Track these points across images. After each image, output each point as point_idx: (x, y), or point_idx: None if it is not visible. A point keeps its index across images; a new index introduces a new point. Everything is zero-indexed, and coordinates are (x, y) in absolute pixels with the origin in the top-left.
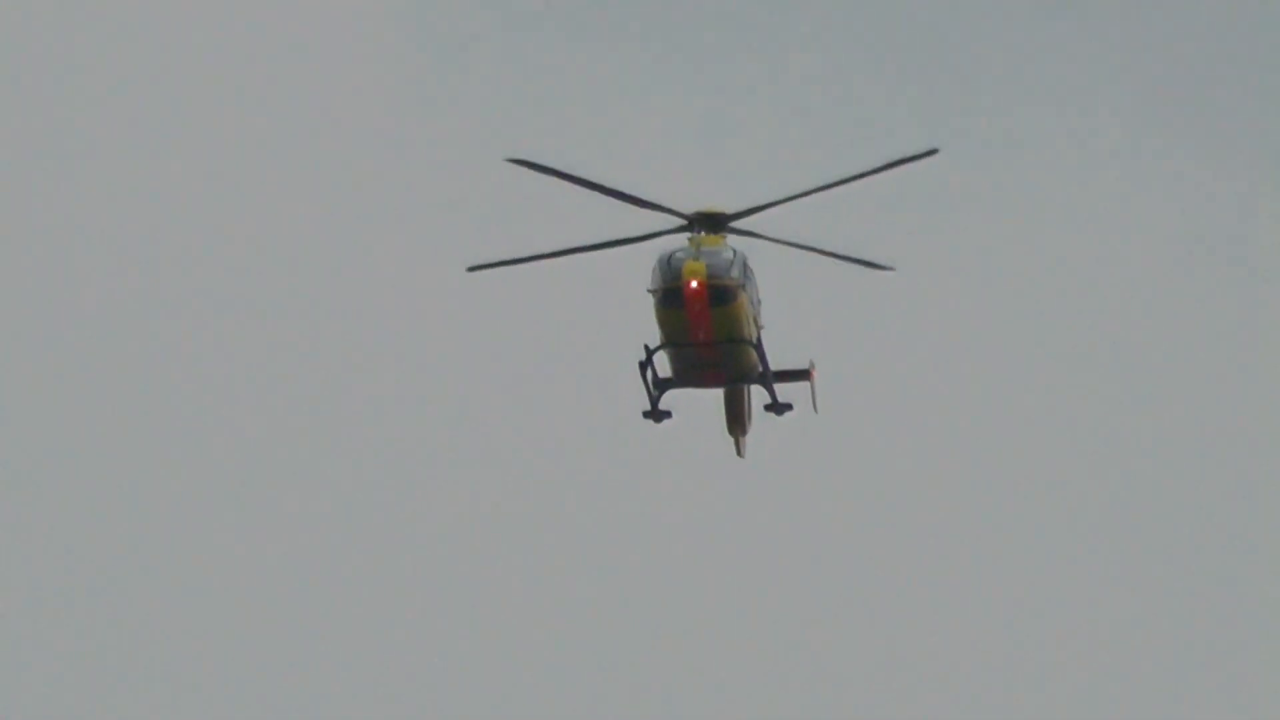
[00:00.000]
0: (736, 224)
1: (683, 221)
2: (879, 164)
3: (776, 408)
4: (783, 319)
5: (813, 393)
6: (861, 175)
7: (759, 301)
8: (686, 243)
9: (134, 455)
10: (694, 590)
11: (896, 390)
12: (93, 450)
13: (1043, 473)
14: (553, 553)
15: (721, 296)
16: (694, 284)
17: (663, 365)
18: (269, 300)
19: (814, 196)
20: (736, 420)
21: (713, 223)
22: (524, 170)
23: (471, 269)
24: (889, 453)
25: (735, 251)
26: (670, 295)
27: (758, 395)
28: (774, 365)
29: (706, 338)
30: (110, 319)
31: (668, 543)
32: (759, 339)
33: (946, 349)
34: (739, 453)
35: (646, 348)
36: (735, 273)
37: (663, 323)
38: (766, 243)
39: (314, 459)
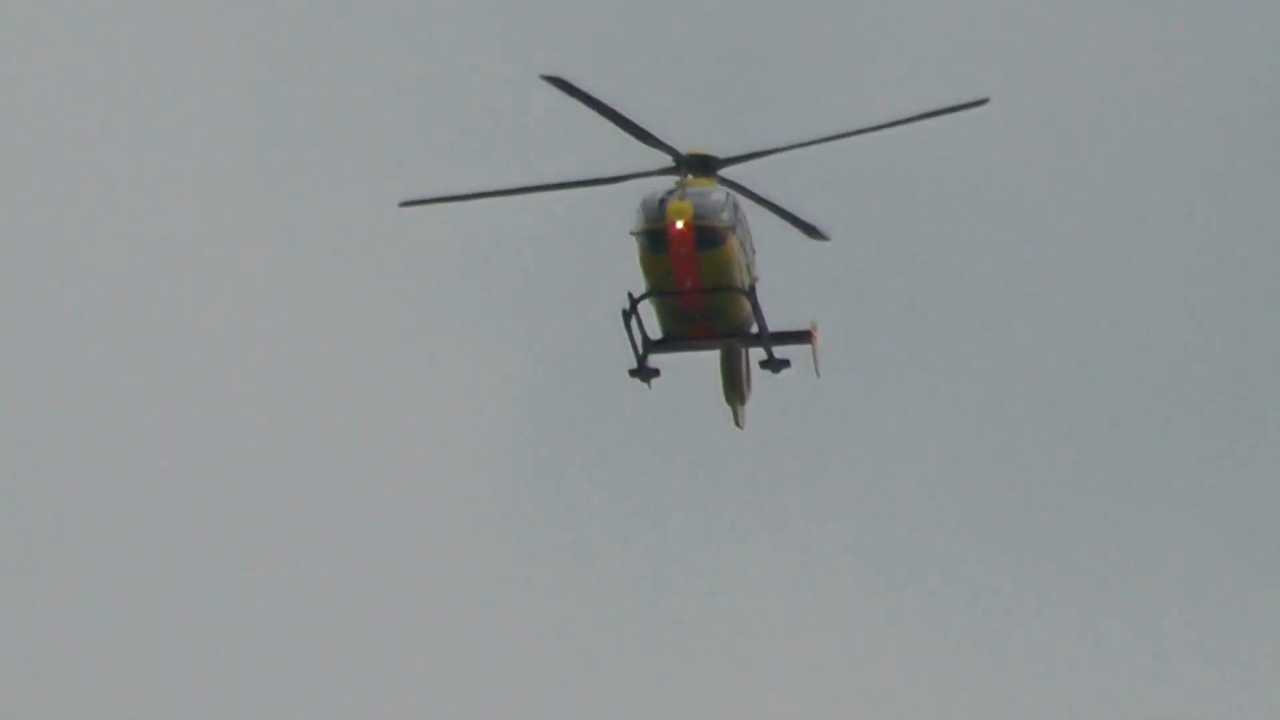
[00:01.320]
0: (728, 172)
1: (670, 163)
2: (916, 112)
3: (773, 364)
4: (781, 280)
5: (814, 356)
6: (887, 125)
7: (754, 251)
8: (674, 185)
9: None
10: (683, 574)
11: (906, 355)
12: None
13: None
14: (531, 531)
15: (710, 239)
16: (679, 225)
17: (650, 322)
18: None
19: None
20: (734, 386)
21: (703, 166)
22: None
23: (405, 204)
24: (901, 425)
25: (727, 194)
26: (654, 238)
27: (758, 362)
28: (772, 327)
29: (694, 284)
30: None
31: (658, 517)
32: (753, 290)
33: (956, 318)
34: (737, 423)
35: (630, 295)
36: (725, 215)
37: (646, 268)
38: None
39: (260, 417)
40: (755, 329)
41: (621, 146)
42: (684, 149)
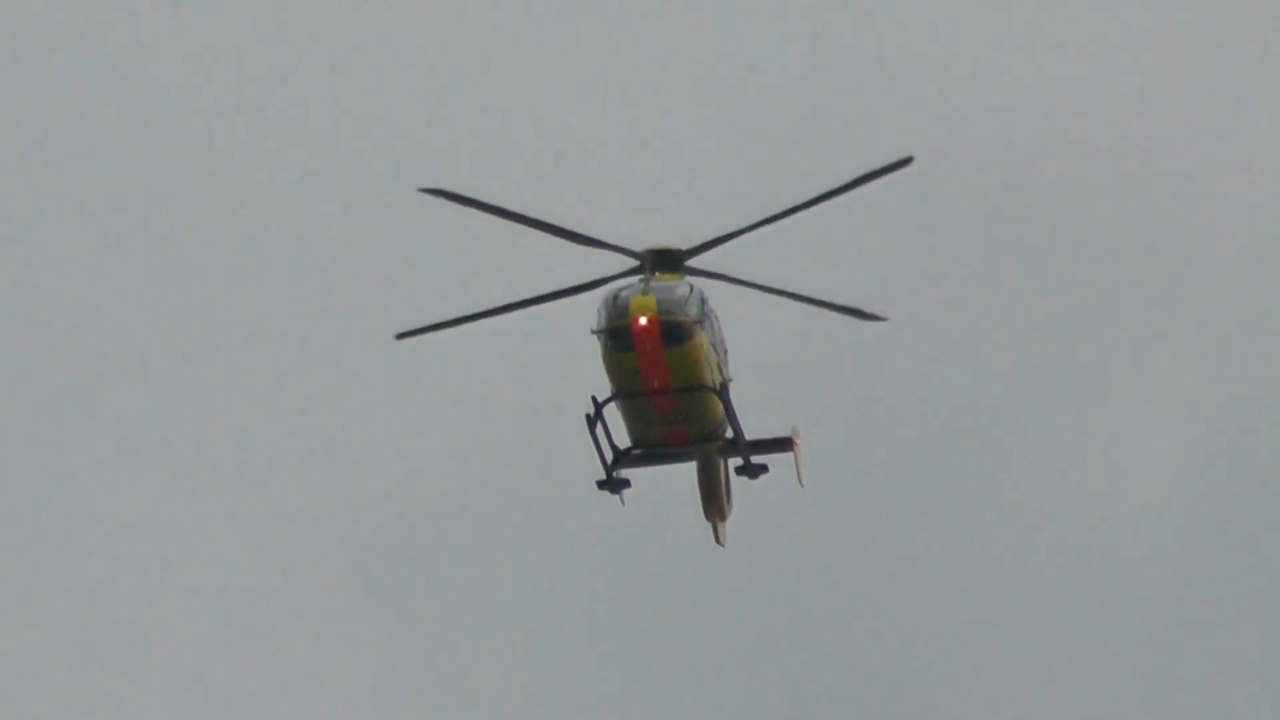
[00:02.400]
0: (695, 262)
1: (634, 262)
2: (849, 179)
3: (750, 469)
4: (754, 373)
5: (797, 465)
6: (830, 194)
7: (725, 349)
8: (638, 282)
9: None
10: (660, 703)
11: (895, 459)
12: None
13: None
14: (496, 654)
15: (676, 334)
16: (643, 320)
17: (618, 429)
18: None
19: (785, 223)
20: (712, 500)
21: (668, 261)
22: (439, 204)
23: (400, 336)
24: (891, 536)
25: (692, 287)
26: (617, 335)
27: (734, 468)
28: (750, 434)
29: (662, 385)
30: None
31: (632, 640)
32: (725, 390)
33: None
34: (717, 539)
35: (595, 400)
36: (692, 309)
37: (611, 369)
38: (735, 286)
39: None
40: (730, 434)
41: (578, 253)
42: (642, 246)
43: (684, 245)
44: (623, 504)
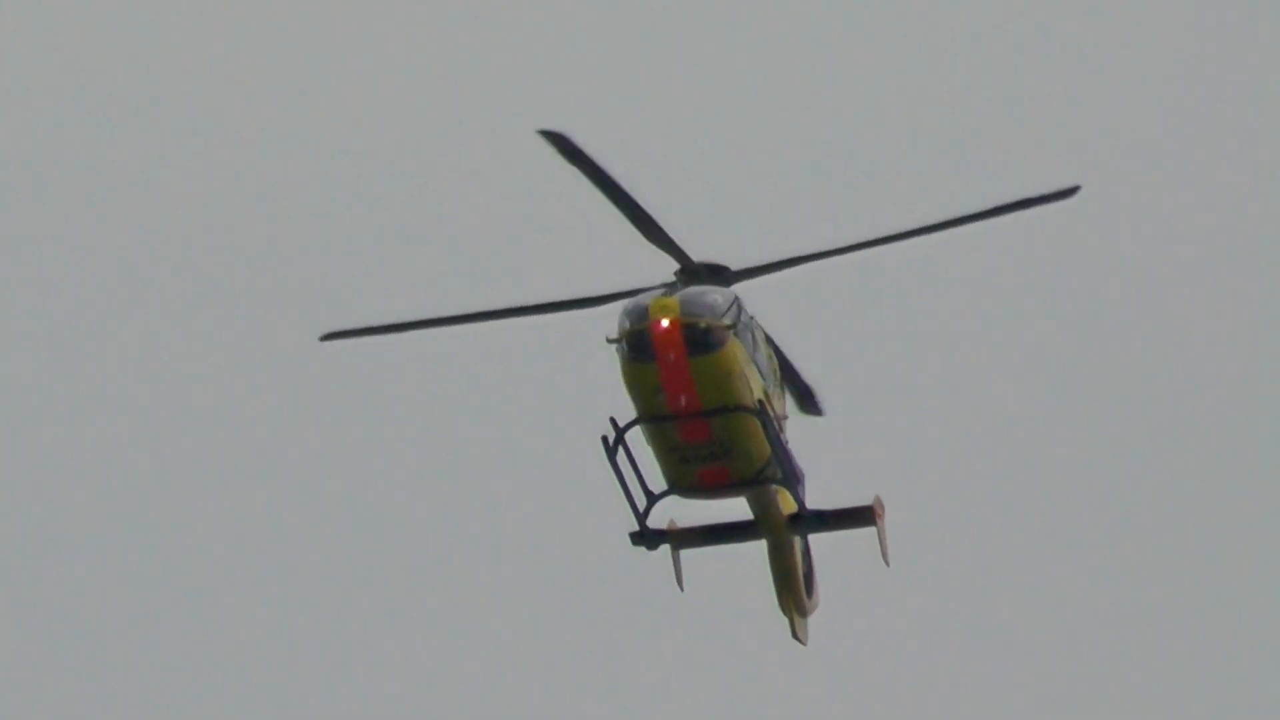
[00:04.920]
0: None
1: (671, 277)
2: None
3: (804, 522)
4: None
5: (881, 540)
6: (952, 223)
7: (778, 380)
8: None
9: None
10: None
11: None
12: None
13: None
14: None
15: (702, 341)
16: (664, 323)
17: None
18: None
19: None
20: (787, 588)
21: (714, 279)
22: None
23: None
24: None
25: (734, 295)
26: (636, 341)
27: (829, 548)
28: (825, 503)
29: (690, 403)
30: None
31: None
32: (768, 413)
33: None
34: (795, 635)
35: (613, 421)
36: (726, 316)
37: (630, 384)
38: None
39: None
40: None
41: (607, 254)
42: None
43: (734, 265)
44: (681, 588)
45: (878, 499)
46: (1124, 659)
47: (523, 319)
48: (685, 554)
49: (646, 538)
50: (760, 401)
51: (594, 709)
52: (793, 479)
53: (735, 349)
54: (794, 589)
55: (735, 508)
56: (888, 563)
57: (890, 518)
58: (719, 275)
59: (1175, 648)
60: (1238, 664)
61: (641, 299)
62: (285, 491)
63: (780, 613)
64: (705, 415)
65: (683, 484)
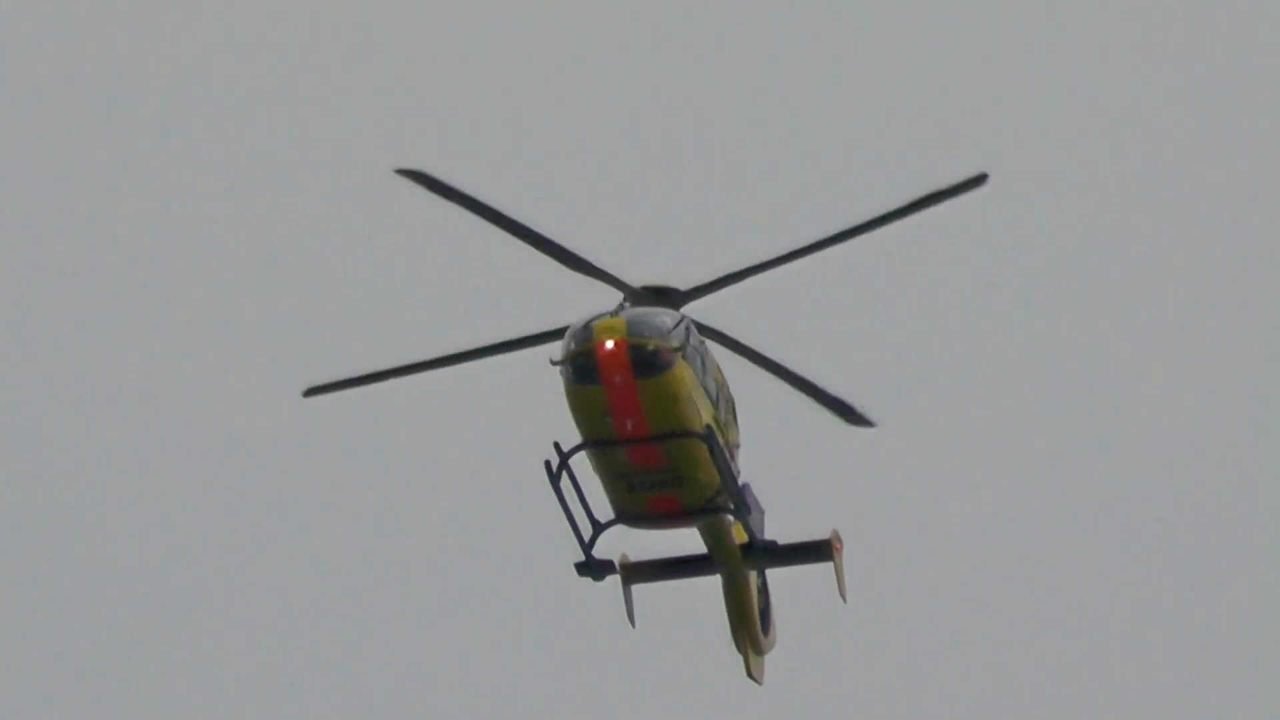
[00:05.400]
0: (694, 305)
1: (614, 307)
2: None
3: (754, 552)
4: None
5: (839, 575)
6: (878, 221)
7: (731, 407)
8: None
9: None
10: None
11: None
12: None
13: None
14: None
15: (649, 363)
16: (609, 344)
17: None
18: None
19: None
20: (742, 622)
21: (663, 302)
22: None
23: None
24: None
25: (683, 317)
26: (580, 363)
27: (786, 585)
28: (781, 535)
29: (636, 427)
30: None
31: None
32: (715, 439)
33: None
34: (751, 674)
35: (557, 446)
36: (674, 339)
37: (575, 407)
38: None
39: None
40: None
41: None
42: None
43: (682, 286)
44: (633, 624)
45: (835, 533)
46: (1098, 695)
47: (479, 360)
48: (637, 588)
49: (592, 568)
50: (709, 427)
51: None
52: (744, 509)
53: (684, 371)
54: (749, 625)
55: (689, 540)
56: (845, 599)
57: (849, 550)
58: (666, 297)
59: (1154, 679)
60: (1232, 667)
61: (586, 320)
62: (233, 520)
63: (735, 650)
64: (652, 440)
65: (630, 512)
